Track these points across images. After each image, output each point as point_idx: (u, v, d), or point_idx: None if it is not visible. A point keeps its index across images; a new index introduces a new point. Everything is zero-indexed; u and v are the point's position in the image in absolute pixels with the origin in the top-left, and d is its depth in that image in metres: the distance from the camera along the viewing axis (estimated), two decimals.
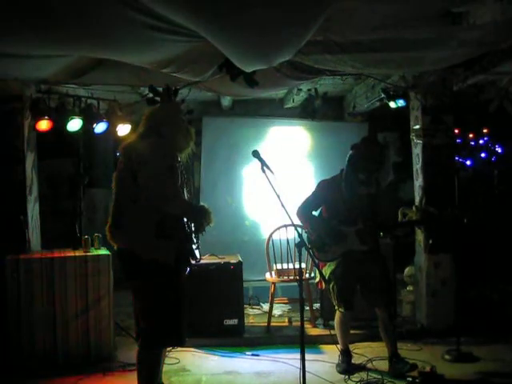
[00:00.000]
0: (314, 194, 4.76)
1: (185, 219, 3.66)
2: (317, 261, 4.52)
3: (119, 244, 3.65)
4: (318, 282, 4.95)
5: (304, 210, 4.67)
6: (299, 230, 3.84)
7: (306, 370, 3.44)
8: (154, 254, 3.49)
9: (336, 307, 4.65)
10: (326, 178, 4.87)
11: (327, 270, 4.57)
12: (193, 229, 3.71)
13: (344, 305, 4.57)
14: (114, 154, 3.82)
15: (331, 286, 4.55)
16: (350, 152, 4.65)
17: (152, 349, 3.59)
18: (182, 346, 3.91)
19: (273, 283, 5.86)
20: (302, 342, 3.42)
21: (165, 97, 4.01)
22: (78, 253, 5.07)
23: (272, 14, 3.19)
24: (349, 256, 4.52)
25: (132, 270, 3.61)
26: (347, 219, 4.55)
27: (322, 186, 4.78)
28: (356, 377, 4.48)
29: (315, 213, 4.77)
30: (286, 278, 5.81)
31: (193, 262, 3.73)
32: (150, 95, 4.40)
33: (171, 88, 4.07)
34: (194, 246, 3.72)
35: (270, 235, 5.95)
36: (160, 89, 4.17)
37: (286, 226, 5.73)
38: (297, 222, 4.46)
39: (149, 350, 3.58)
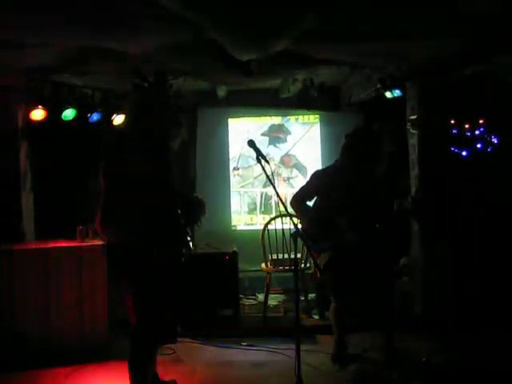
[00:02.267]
0: (308, 184, 4.75)
1: (178, 211, 3.60)
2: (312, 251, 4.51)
3: (110, 239, 3.55)
4: (313, 273, 4.95)
5: (298, 200, 4.66)
6: (295, 220, 3.82)
7: (302, 360, 3.44)
8: (147, 247, 3.40)
9: (331, 297, 4.64)
10: (321, 168, 4.86)
11: (322, 261, 4.56)
12: (187, 220, 3.65)
13: (339, 295, 4.57)
14: (109, 143, 3.72)
15: (326, 276, 4.54)
16: (344, 141, 4.64)
17: (145, 346, 3.53)
18: (175, 342, 3.81)
19: (268, 273, 5.86)
20: (297, 333, 3.42)
21: (151, 82, 3.82)
22: (73, 243, 5.05)
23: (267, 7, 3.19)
24: (343, 246, 4.51)
25: (124, 266, 3.51)
26: (342, 209, 4.53)
27: (316, 175, 4.76)
28: (351, 367, 4.48)
29: (310, 203, 4.75)
30: (281, 268, 5.80)
31: (187, 253, 3.66)
32: (136, 80, 4.25)
33: (159, 72, 3.90)
34: (188, 238, 3.66)
35: (266, 225, 5.94)
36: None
37: (281, 215, 5.72)
38: (291, 211, 4.46)
39: (141, 346, 3.52)
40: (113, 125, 5.67)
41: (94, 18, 3.59)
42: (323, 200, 4.68)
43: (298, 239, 3.46)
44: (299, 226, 4.14)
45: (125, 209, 3.42)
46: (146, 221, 3.41)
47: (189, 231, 3.67)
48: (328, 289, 4.62)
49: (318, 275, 4.76)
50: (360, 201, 4.53)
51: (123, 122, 3.68)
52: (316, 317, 5.74)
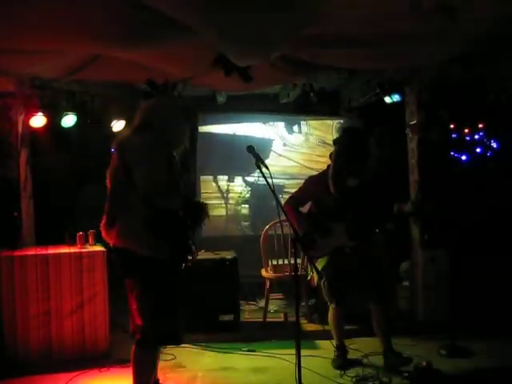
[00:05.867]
0: (301, 189, 4.75)
1: (180, 214, 3.61)
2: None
3: (114, 242, 3.56)
4: (310, 279, 4.94)
5: (291, 206, 4.64)
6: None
7: (302, 365, 3.44)
8: (150, 251, 3.42)
9: (328, 303, 4.64)
10: (314, 174, 4.86)
11: (318, 266, 4.54)
12: (189, 224, 3.66)
13: (336, 300, 4.56)
14: (108, 149, 3.75)
15: (322, 282, 4.53)
16: (335, 147, 4.62)
17: (149, 348, 3.56)
18: (180, 344, 3.86)
19: (268, 279, 5.85)
20: (298, 338, 3.42)
21: (162, 91, 3.90)
22: (73, 249, 5.05)
23: (266, 13, 3.20)
24: (339, 252, 4.51)
25: (128, 268, 3.54)
26: (336, 215, 4.52)
27: (310, 181, 4.76)
28: (351, 372, 4.48)
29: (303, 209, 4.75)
30: (281, 273, 5.80)
31: (189, 257, 3.68)
32: (147, 89, 4.32)
33: (169, 82, 3.96)
34: (190, 242, 3.67)
35: (266, 231, 5.94)
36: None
37: (281, 221, 5.71)
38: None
39: (145, 348, 3.55)
40: (113, 131, 5.69)
41: (105, 28, 3.61)
42: (317, 205, 4.68)
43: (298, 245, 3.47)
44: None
45: (127, 214, 3.46)
46: (149, 225, 3.42)
47: (191, 235, 3.68)
48: (325, 294, 4.60)
49: (315, 281, 4.73)
50: (355, 205, 4.50)
51: (129, 128, 3.68)
52: (316, 322, 5.73)
